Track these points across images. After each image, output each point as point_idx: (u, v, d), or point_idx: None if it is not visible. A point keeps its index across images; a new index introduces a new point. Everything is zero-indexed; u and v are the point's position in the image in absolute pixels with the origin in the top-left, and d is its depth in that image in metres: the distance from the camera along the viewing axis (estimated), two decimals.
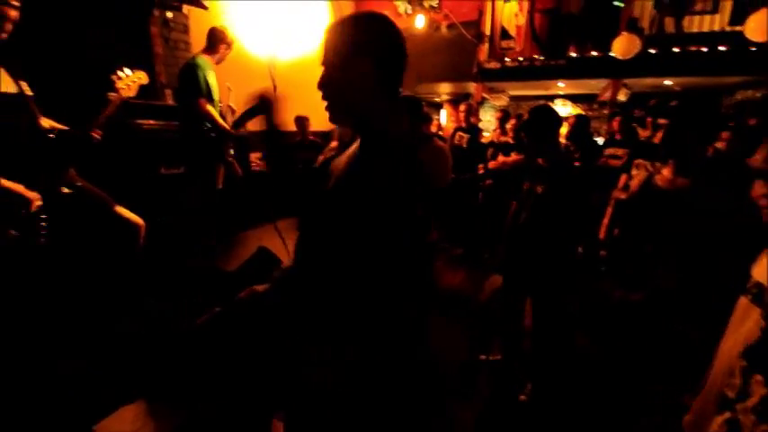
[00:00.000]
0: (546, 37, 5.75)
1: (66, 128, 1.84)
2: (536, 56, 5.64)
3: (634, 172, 2.37)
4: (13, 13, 1.61)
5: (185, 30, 4.13)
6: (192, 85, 2.93)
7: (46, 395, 1.51)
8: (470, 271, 2.73)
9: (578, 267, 2.38)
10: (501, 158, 3.63)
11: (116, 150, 2.01)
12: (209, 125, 2.98)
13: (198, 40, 3.91)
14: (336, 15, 5.31)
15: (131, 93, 1.94)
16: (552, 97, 7.16)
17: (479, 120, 5.55)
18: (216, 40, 3.07)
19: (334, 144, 3.79)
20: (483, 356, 2.26)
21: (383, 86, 0.89)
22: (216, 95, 3.05)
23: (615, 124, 4.09)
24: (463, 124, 4.80)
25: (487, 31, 5.91)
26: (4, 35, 1.60)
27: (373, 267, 0.83)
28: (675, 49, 5.01)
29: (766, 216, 1.26)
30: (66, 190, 1.82)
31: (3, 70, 1.66)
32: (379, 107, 0.90)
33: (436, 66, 6.07)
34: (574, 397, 1.95)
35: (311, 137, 4.63)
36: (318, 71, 0.93)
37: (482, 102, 6.24)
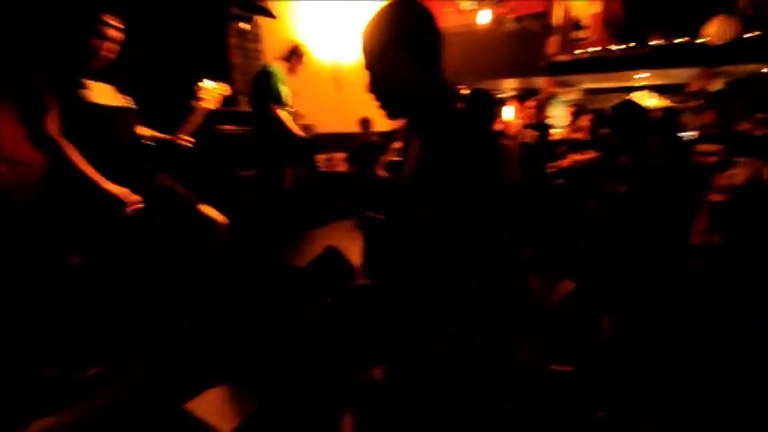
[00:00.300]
0: (625, 24, 5.31)
1: (166, 136, 2.02)
2: (613, 45, 5.23)
3: (734, 170, 2.12)
4: (118, 35, 1.79)
5: (257, 39, 4.39)
6: (265, 92, 3.12)
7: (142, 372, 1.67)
8: (540, 275, 2.60)
9: (665, 276, 2.18)
10: (573, 156, 3.42)
11: (201, 154, 2.17)
12: (281, 129, 3.15)
13: (269, 48, 4.13)
14: None
15: (216, 104, 2.08)
16: (632, 89, 6.59)
17: (547, 116, 5.27)
18: (292, 53, 3.28)
19: (397, 144, 3.82)
20: (554, 366, 2.15)
21: (423, 73, 0.89)
22: (287, 101, 3.22)
23: (709, 117, 3.68)
24: (531, 120, 4.59)
25: (557, 23, 5.59)
26: (112, 55, 1.80)
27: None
28: None
29: None
30: (156, 191, 2.01)
31: (113, 87, 1.87)
32: (420, 94, 0.89)
33: (498, 61, 5.86)
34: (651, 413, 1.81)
35: (374, 137, 4.70)
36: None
37: (552, 97, 5.92)
